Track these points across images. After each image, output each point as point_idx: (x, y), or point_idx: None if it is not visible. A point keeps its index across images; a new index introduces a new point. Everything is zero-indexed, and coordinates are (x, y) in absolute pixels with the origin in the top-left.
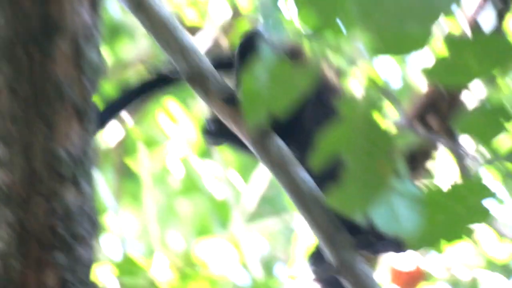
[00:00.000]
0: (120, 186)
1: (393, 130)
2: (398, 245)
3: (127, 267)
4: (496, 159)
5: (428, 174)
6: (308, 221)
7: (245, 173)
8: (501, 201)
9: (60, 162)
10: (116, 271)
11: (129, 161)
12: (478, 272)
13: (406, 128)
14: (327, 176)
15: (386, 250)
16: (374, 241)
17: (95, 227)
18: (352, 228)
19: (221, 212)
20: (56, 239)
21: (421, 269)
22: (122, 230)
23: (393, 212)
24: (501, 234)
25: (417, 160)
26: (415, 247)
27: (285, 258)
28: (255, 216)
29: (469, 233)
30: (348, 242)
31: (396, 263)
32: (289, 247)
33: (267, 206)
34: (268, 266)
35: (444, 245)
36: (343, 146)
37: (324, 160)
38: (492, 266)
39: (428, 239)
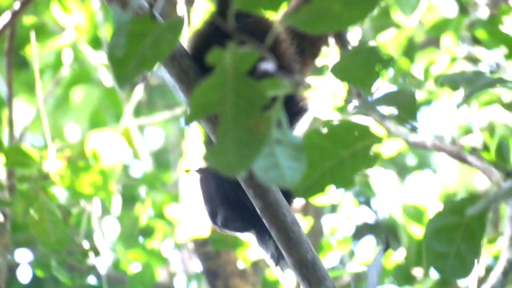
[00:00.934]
0: (14, 76)
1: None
2: None
3: (17, 158)
4: (368, 105)
5: (318, 70)
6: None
7: None
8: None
9: None
10: (5, 160)
11: (23, 51)
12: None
13: (282, 75)
14: None
15: None
16: None
17: None
18: None
19: (113, 104)
20: None
21: None
22: (16, 120)
23: (275, 163)
24: (390, 132)
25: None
26: (305, 196)
27: (178, 151)
28: (148, 109)
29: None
30: None
31: None
32: (182, 141)
33: (160, 99)
34: (160, 159)
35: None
36: (214, 102)
37: (199, 116)
38: (382, 162)
39: (317, 187)
